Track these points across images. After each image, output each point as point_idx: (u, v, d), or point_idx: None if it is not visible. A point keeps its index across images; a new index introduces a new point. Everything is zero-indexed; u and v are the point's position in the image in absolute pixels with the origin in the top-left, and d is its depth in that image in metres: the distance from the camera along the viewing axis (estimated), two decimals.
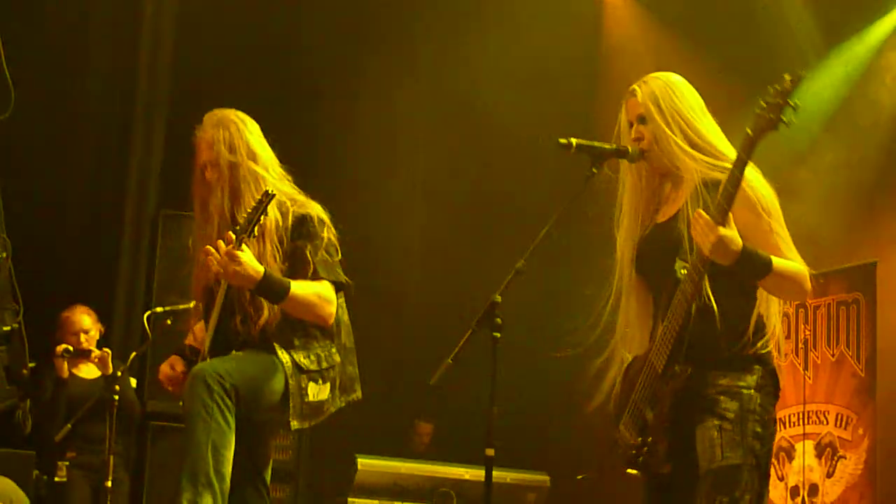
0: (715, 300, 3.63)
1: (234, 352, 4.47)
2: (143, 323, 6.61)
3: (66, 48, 8.72)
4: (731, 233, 3.53)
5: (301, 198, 4.59)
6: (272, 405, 4.40)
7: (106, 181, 8.94)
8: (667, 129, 3.79)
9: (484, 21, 9.30)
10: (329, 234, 4.54)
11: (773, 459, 8.49)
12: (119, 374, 6.99)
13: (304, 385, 4.42)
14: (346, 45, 9.45)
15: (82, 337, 7.34)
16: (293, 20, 9.43)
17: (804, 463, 8.35)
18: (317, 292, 4.40)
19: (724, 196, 3.54)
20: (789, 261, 3.70)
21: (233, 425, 4.27)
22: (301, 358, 4.45)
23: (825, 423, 8.29)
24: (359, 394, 4.68)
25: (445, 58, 9.40)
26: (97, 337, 7.46)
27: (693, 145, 3.77)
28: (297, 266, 4.43)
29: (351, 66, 9.40)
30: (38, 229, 7.99)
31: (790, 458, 8.45)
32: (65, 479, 7.22)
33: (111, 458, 6.70)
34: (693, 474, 3.64)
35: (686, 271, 3.61)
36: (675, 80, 3.90)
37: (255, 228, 4.28)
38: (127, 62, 8.94)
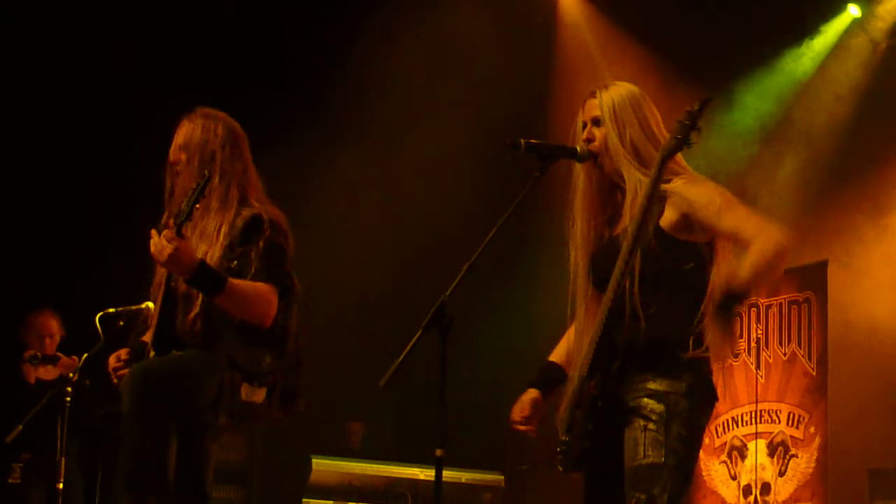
0: (649, 306, 3.66)
1: (173, 351, 4.43)
2: (96, 324, 6.57)
3: None
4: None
5: (262, 201, 4.56)
6: (207, 405, 4.36)
7: None
8: (616, 137, 3.82)
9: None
10: (281, 238, 4.50)
11: (726, 458, 8.59)
12: (71, 375, 6.95)
13: (236, 383, 4.37)
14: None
15: (47, 341, 7.33)
16: None
17: (756, 461, 8.41)
18: (256, 291, 4.35)
19: (640, 209, 3.61)
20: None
21: (170, 427, 4.24)
22: (237, 357, 4.40)
23: (777, 421, 8.36)
24: (300, 408, 4.61)
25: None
26: (58, 341, 7.45)
27: (640, 158, 3.80)
28: (244, 267, 4.39)
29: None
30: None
31: (743, 456, 8.51)
32: (18, 482, 7.17)
33: (63, 459, 6.66)
34: (619, 475, 3.68)
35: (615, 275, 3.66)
36: (637, 91, 3.92)
37: (193, 212, 4.25)
38: None
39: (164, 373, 4.29)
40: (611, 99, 3.86)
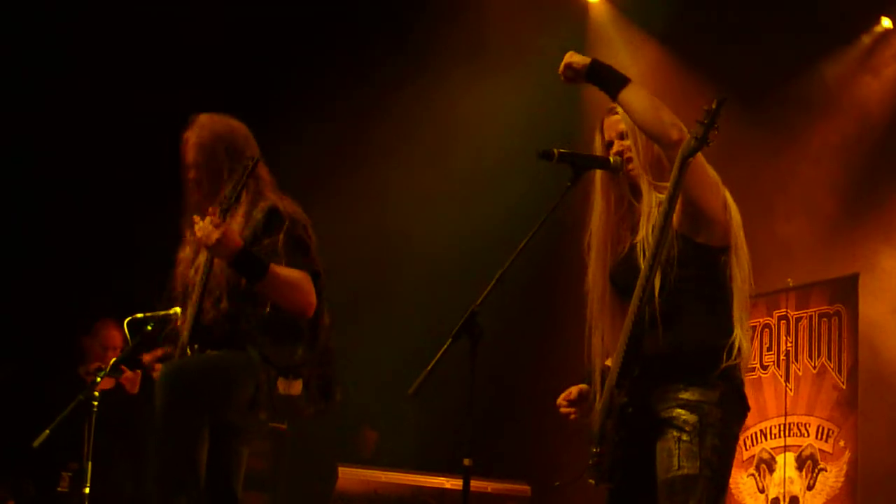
0: (672, 314, 3.65)
1: (208, 351, 4.40)
2: (124, 329, 6.57)
3: None
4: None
5: (276, 194, 4.55)
6: (242, 405, 4.33)
7: None
8: (635, 152, 3.82)
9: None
10: (300, 230, 4.47)
11: (754, 471, 8.53)
12: (98, 379, 6.95)
13: (272, 379, 4.34)
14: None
15: (109, 353, 7.36)
16: None
17: (785, 475, 8.35)
18: (296, 277, 4.31)
19: (661, 213, 3.60)
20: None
21: (202, 428, 4.22)
22: (270, 353, 4.37)
23: (806, 435, 8.30)
24: (338, 396, 4.59)
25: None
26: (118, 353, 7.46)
27: (661, 168, 3.79)
28: (271, 257, 4.31)
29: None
30: None
31: (771, 469, 8.46)
32: (67, 490, 7.16)
33: (90, 464, 6.66)
34: (651, 487, 3.65)
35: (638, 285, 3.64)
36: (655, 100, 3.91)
37: (241, 195, 4.23)
38: None
39: (196, 372, 4.28)
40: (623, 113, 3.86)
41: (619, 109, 3.86)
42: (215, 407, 4.27)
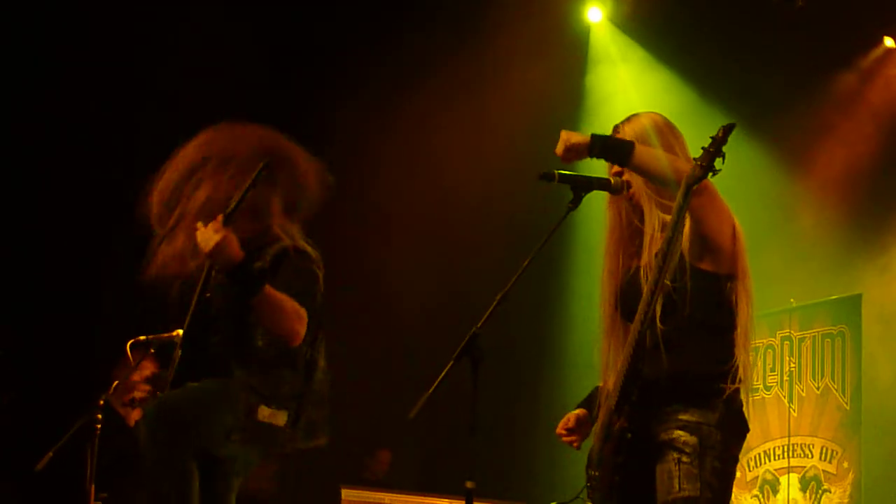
0: (674, 338, 3.65)
1: (187, 383, 4.36)
2: (127, 351, 6.55)
3: None
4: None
5: (293, 233, 4.52)
6: (220, 434, 4.28)
7: None
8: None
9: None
10: (313, 266, 4.46)
11: (758, 492, 8.51)
12: (101, 402, 6.92)
13: (252, 404, 4.31)
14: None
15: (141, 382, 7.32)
16: None
17: (789, 496, 8.33)
18: (290, 303, 4.23)
19: (665, 240, 3.59)
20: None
21: (188, 462, 4.19)
22: (254, 380, 4.31)
23: (810, 456, 8.28)
24: (322, 441, 4.53)
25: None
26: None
27: (666, 189, 3.79)
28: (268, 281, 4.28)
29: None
30: None
31: (775, 491, 8.44)
32: None
33: (92, 487, 6.63)
34: None
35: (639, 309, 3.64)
36: (659, 119, 3.91)
37: (242, 203, 4.20)
38: None
39: (174, 408, 4.20)
40: (633, 132, 3.85)
41: (622, 128, 3.86)
42: (196, 439, 4.21)
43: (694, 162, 3.56)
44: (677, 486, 3.60)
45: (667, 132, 3.87)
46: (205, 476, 4.28)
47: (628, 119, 3.91)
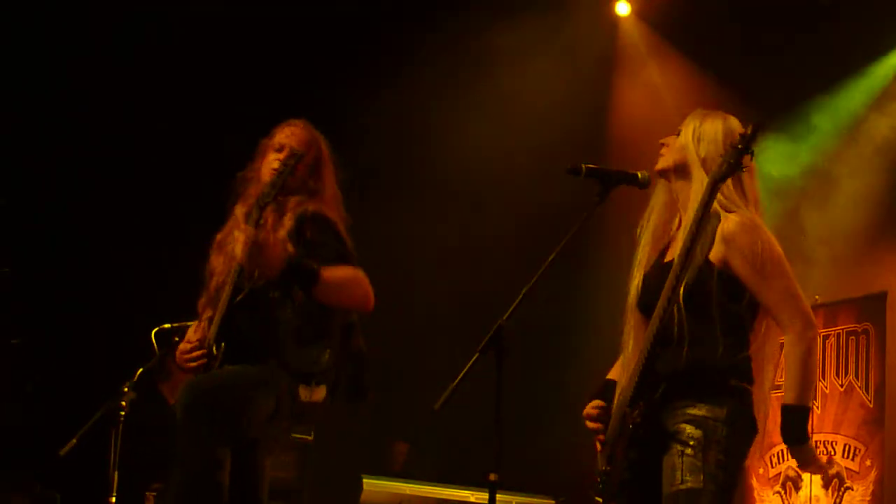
0: (693, 334, 3.64)
1: (226, 366, 4.37)
2: (151, 339, 6.57)
3: None
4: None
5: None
6: (261, 419, 4.30)
7: None
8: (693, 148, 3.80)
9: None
10: (331, 223, 4.43)
11: (780, 489, 8.49)
12: (125, 389, 6.94)
13: (293, 388, 4.30)
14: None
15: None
16: None
17: (811, 493, 8.31)
18: (348, 274, 4.21)
19: (688, 235, 3.58)
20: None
21: (222, 443, 4.19)
22: (292, 359, 4.33)
23: (833, 453, 8.26)
24: (367, 399, 4.53)
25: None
26: None
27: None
28: (318, 261, 4.22)
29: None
30: None
31: (797, 488, 8.41)
32: None
33: (115, 474, 6.65)
34: (658, 503, 3.64)
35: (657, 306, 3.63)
36: (725, 122, 3.86)
37: (285, 186, 4.17)
38: None
39: (211, 390, 4.23)
40: (696, 126, 3.83)
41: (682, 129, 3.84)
42: (232, 422, 4.22)
43: (721, 158, 3.56)
44: (680, 478, 3.60)
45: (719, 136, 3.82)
46: (237, 458, 4.29)
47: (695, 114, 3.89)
